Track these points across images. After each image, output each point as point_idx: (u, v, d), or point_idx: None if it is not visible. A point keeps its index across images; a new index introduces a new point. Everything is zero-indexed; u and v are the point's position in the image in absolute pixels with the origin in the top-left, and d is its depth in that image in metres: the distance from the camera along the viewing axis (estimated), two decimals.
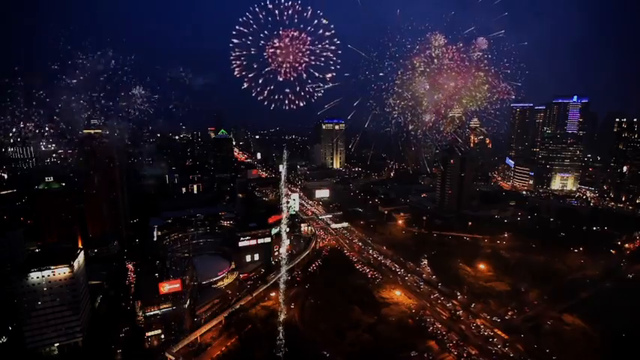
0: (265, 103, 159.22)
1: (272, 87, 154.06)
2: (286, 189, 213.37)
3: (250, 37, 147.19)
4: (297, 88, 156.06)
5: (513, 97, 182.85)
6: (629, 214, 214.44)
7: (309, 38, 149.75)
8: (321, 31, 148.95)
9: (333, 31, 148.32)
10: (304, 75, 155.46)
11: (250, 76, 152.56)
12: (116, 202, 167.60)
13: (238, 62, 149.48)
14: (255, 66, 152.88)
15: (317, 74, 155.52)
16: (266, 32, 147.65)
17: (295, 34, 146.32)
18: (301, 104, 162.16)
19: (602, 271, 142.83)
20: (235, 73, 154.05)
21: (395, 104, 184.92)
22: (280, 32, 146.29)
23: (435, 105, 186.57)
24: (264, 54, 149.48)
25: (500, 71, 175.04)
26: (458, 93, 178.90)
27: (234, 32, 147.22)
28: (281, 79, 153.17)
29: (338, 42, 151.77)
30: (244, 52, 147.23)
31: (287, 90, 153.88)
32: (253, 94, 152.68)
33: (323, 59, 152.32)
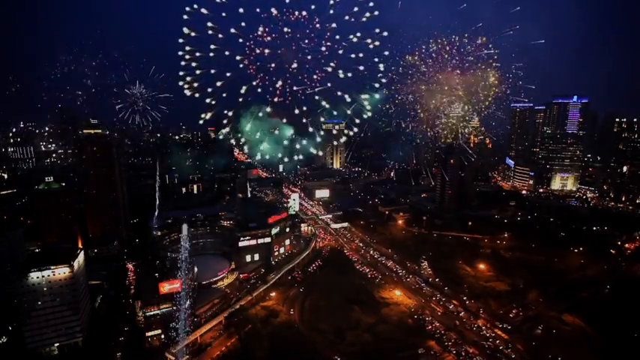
0: (246, 147, 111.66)
1: (260, 115, 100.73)
2: (286, 189, 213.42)
3: (212, 25, 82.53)
4: (305, 120, 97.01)
5: (527, 100, 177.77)
6: (629, 214, 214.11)
7: (331, 26, 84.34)
8: (351, 17, 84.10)
9: (376, 13, 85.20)
10: (323, 102, 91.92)
11: (213, 98, 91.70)
12: (116, 202, 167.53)
13: (194, 75, 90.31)
14: (224, 80, 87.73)
15: (345, 97, 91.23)
16: (241, 11, 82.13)
17: (302, 15, 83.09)
18: (314, 151, 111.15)
19: (602, 271, 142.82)
20: (186, 91, 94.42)
21: (394, 105, 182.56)
22: (274, 14, 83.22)
23: (435, 105, 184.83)
24: (241, 58, 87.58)
25: (503, 70, 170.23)
26: (460, 96, 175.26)
27: (185, 16, 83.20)
28: (275, 102, 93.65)
29: (385, 34, 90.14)
30: (209, 55, 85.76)
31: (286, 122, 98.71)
32: (220, 136, 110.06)
33: (361, 66, 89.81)
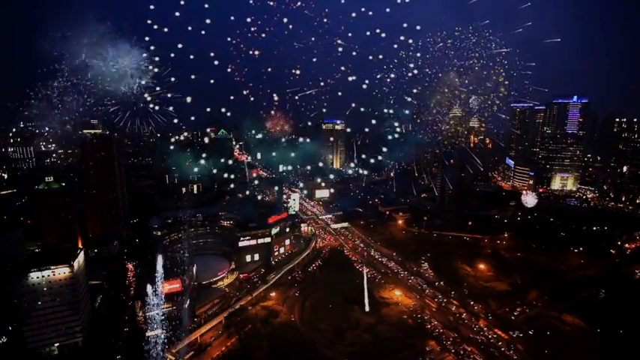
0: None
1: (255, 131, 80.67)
2: (286, 189, 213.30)
3: (178, 14, 67.49)
4: (309, 140, 76.66)
5: (538, 103, 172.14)
6: (629, 214, 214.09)
7: (350, 16, 68.81)
8: (367, 10, 65.26)
9: (406, 0, 65.75)
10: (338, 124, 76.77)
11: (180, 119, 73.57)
12: (116, 202, 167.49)
13: (165, 83, 73.23)
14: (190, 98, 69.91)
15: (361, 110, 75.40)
16: None
17: (307, 1, 64.28)
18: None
19: (602, 271, 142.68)
20: (152, 104, 77.72)
21: (395, 105, 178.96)
22: (270, 2, 66.90)
23: (434, 106, 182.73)
24: (219, 62, 72.63)
25: (509, 69, 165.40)
26: (461, 97, 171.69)
27: (151, 7, 68.57)
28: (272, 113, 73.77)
29: (418, 28, 73.77)
30: (190, 57, 69.41)
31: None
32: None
33: (389, 78, 73.30)
